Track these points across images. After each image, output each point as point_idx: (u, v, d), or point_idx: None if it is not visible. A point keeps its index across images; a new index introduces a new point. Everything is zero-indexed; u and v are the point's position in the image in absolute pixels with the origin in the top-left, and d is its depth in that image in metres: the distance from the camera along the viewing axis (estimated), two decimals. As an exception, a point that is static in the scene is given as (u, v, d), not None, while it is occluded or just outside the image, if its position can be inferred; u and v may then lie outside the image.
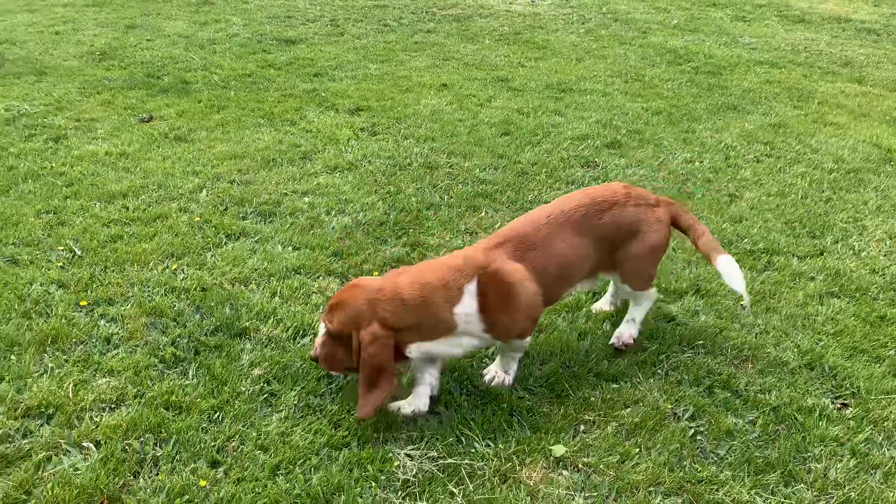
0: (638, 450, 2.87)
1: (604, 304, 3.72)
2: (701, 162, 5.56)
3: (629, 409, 3.08)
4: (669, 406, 3.11)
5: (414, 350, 2.88)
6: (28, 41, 8.07)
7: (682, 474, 2.78)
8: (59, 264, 3.88)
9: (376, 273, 3.87)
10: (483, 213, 4.67)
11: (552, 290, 3.09)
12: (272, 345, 3.34)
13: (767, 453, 2.89)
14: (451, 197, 4.85)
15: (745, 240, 4.44)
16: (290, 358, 3.24)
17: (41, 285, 3.68)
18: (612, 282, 3.62)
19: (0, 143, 5.37)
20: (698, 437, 2.97)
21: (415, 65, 7.75)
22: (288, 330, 3.43)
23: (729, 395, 3.19)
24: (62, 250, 4.02)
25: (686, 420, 3.05)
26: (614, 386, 3.22)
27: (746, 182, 5.28)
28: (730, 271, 3.27)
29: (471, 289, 2.83)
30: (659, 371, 3.32)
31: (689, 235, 3.42)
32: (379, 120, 6.14)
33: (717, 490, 2.72)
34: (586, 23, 9.86)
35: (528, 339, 3.09)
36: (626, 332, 3.43)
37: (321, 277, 3.87)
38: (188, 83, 6.88)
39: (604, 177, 5.21)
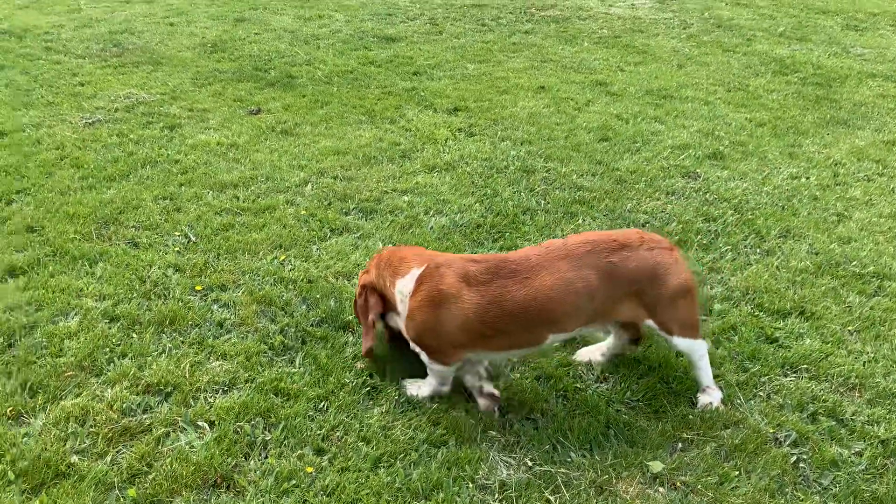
0: (737, 472, 2.83)
1: (594, 354, 3.40)
2: (807, 178, 5.38)
3: (729, 430, 3.04)
4: (771, 430, 3.05)
5: (390, 317, 3.20)
6: (144, 31, 8.49)
7: (783, 501, 2.73)
8: (175, 249, 4.10)
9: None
10: (580, 221, 4.66)
11: (529, 323, 2.92)
12: (374, 340, 3.45)
13: (875, 487, 2.80)
14: (548, 202, 4.87)
15: (854, 262, 4.28)
16: (391, 354, 3.34)
17: (159, 268, 3.90)
18: (612, 333, 3.35)
19: (121, 130, 5.69)
20: (801, 465, 2.90)
21: (512, 66, 7.77)
22: (389, 326, 3.53)
23: (834, 423, 3.11)
24: (178, 236, 4.24)
25: (788, 446, 2.98)
26: (713, 405, 3.17)
27: (856, 202, 5.08)
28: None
29: (415, 272, 3.02)
30: (760, 393, 3.26)
31: None
32: (476, 121, 6.20)
33: (820, 521, 2.66)
34: (688, 28, 9.65)
35: (439, 366, 3.04)
36: (715, 398, 3.16)
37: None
38: (293, 77, 7.11)
39: (705, 188, 5.11)
